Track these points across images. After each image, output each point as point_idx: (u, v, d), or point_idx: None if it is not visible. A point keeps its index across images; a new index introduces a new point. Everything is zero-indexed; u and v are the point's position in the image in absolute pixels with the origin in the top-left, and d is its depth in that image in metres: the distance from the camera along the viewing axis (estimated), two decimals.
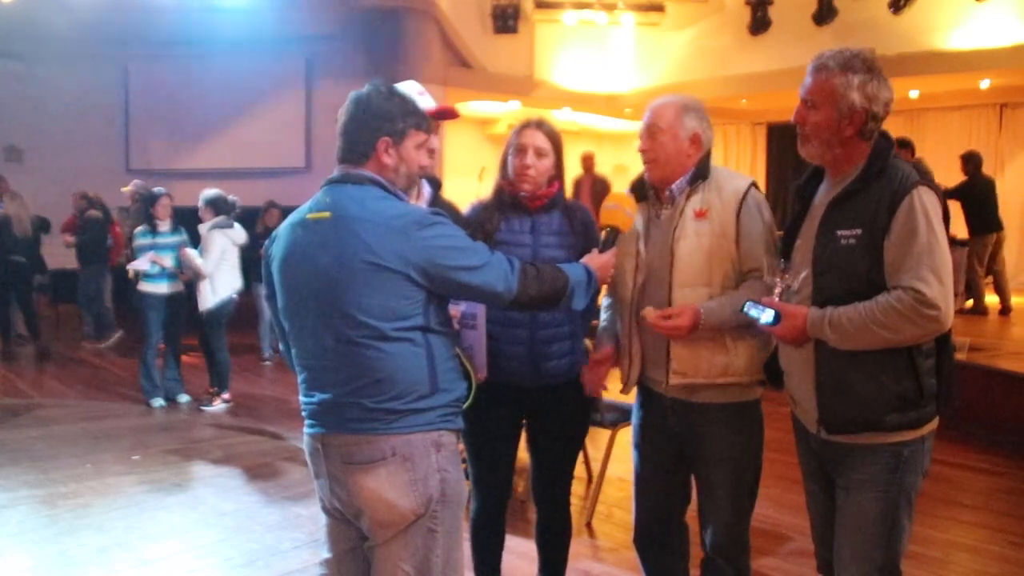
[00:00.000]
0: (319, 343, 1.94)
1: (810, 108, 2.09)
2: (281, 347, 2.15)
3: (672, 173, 2.41)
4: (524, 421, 2.76)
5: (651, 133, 2.40)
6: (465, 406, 2.05)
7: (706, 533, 2.51)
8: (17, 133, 11.29)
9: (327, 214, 1.93)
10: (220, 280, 6.24)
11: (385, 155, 1.98)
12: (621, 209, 2.37)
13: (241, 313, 6.78)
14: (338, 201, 1.94)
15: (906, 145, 7.36)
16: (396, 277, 1.87)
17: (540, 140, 2.59)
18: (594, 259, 2.25)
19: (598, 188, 10.16)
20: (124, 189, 8.82)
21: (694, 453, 2.47)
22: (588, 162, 10.40)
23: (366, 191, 1.95)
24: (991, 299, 8.51)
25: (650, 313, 2.33)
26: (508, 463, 2.76)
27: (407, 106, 2.02)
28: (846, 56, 2.04)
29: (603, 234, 2.34)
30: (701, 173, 2.41)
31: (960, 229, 8.11)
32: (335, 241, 1.90)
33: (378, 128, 1.97)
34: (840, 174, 2.12)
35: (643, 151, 2.42)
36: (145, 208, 8.26)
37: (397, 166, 2.01)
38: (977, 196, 8.11)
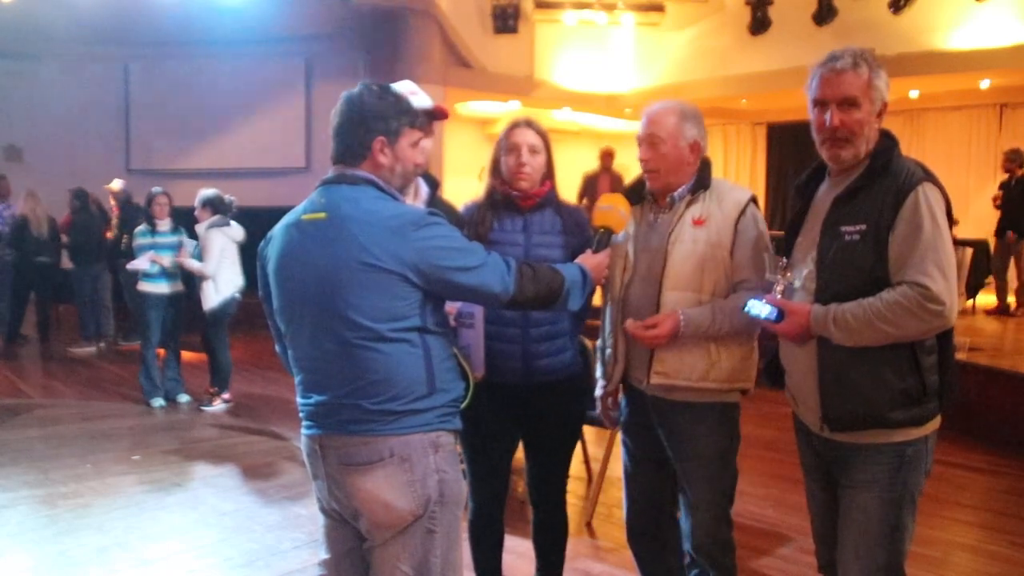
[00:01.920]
0: (316, 345, 1.94)
1: (850, 108, 2.05)
2: (277, 348, 2.14)
3: (674, 181, 2.43)
4: (520, 420, 2.75)
5: (652, 143, 2.41)
6: (463, 406, 2.05)
7: (687, 532, 2.52)
8: (17, 133, 11.29)
9: (323, 215, 1.93)
10: (222, 279, 6.23)
11: (381, 155, 1.98)
12: (615, 210, 2.37)
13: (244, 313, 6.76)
14: (334, 202, 1.93)
15: None
16: (392, 278, 1.86)
17: (532, 138, 2.61)
18: (588, 259, 2.26)
19: (616, 186, 10.06)
20: (108, 187, 8.72)
21: (672, 451, 2.49)
22: (608, 159, 10.19)
23: (362, 191, 1.94)
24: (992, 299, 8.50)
25: (631, 324, 2.37)
26: (506, 463, 2.76)
27: (400, 104, 2.01)
28: (862, 53, 2.06)
29: (597, 235, 2.34)
30: (703, 183, 2.43)
31: (974, 229, 8.08)
32: (331, 242, 1.89)
33: (373, 128, 1.96)
34: (844, 172, 2.13)
35: (644, 160, 2.42)
36: (131, 208, 8.28)
37: (393, 165, 2.00)
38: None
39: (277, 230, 2.04)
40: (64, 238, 8.92)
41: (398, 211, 1.92)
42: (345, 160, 1.99)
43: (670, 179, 2.42)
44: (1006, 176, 8.30)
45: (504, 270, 1.99)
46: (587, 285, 2.18)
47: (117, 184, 8.55)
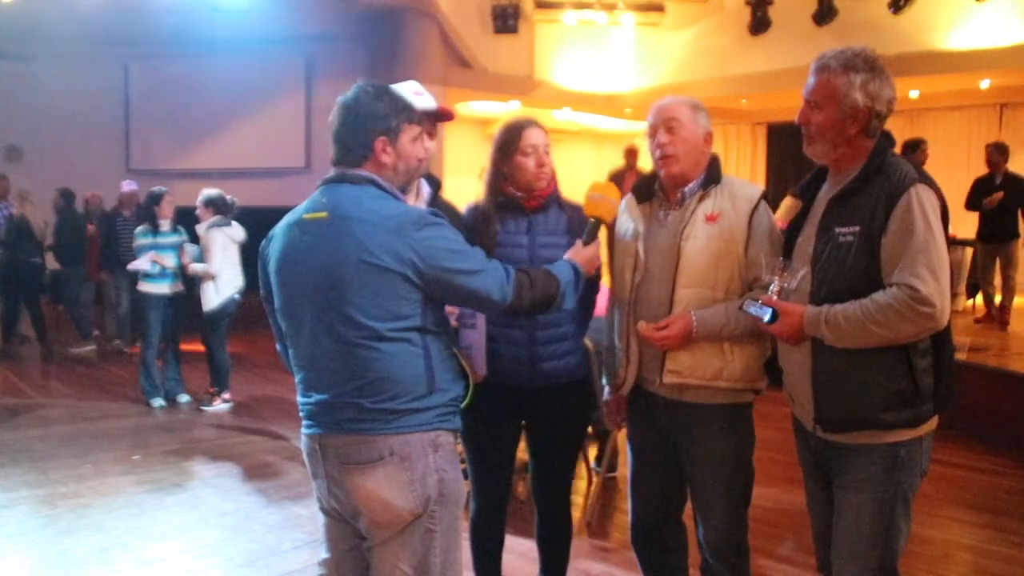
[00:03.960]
0: (316, 344, 1.94)
1: (813, 108, 2.09)
2: (278, 347, 2.15)
3: (689, 169, 2.40)
4: (523, 422, 2.76)
5: (671, 127, 2.38)
6: (463, 405, 2.05)
7: (702, 536, 2.50)
8: (17, 133, 11.27)
9: (324, 214, 1.93)
10: (223, 279, 6.24)
11: (383, 155, 1.98)
12: (606, 199, 2.35)
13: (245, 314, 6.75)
14: (335, 201, 1.93)
15: (914, 147, 7.19)
16: (393, 277, 1.87)
17: (544, 137, 2.60)
18: (579, 253, 2.24)
19: None
20: (124, 189, 8.72)
21: (685, 453, 2.47)
22: (633, 156, 10.02)
23: (363, 191, 1.94)
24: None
25: (643, 326, 2.35)
26: (508, 464, 2.76)
27: (397, 102, 2.02)
28: (847, 56, 2.05)
29: (587, 226, 2.32)
30: (714, 178, 2.41)
31: (973, 229, 7.91)
32: (332, 241, 1.89)
33: (372, 129, 1.96)
34: (841, 173, 2.13)
35: (662, 145, 2.38)
36: (137, 210, 8.27)
37: (395, 164, 2.00)
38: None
39: (278, 229, 2.05)
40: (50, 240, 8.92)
41: (399, 210, 1.92)
42: (346, 163, 1.99)
43: (686, 165, 2.38)
44: (988, 171, 7.69)
45: (503, 278, 1.98)
46: (579, 282, 2.17)
47: (127, 187, 8.55)
